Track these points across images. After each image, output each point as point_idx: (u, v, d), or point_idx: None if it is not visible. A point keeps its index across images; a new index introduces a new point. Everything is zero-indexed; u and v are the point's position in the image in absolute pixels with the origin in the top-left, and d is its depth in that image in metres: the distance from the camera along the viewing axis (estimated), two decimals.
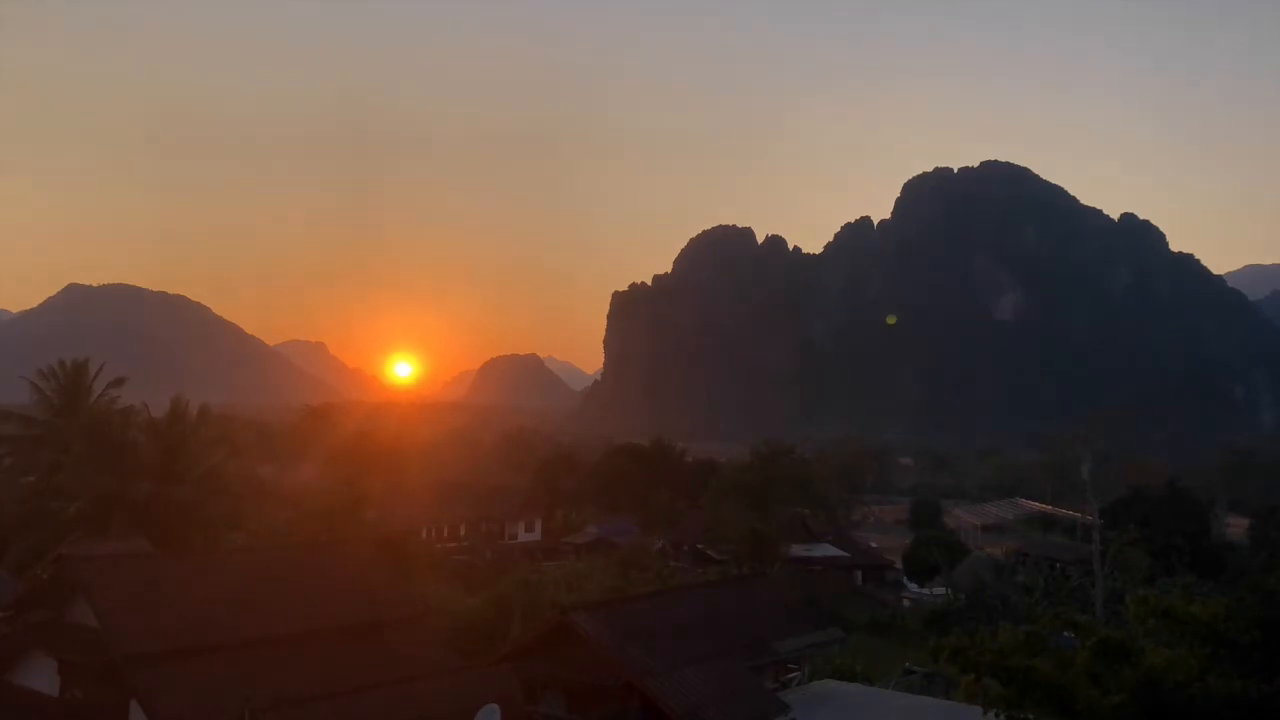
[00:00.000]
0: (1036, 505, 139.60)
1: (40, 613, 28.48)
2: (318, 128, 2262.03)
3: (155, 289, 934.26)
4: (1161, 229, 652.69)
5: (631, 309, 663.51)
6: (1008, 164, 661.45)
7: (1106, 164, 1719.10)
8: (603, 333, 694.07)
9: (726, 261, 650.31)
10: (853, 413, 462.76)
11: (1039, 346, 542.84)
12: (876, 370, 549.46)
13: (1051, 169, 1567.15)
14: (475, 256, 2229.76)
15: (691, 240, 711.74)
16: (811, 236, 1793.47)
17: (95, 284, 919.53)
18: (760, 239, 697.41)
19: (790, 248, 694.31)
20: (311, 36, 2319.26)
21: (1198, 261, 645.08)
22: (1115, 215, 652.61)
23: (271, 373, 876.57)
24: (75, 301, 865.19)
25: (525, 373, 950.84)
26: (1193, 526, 73.58)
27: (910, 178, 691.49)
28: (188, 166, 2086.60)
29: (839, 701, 32.69)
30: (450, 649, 32.44)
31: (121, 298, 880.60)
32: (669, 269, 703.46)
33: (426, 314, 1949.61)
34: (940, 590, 67.61)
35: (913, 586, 78.16)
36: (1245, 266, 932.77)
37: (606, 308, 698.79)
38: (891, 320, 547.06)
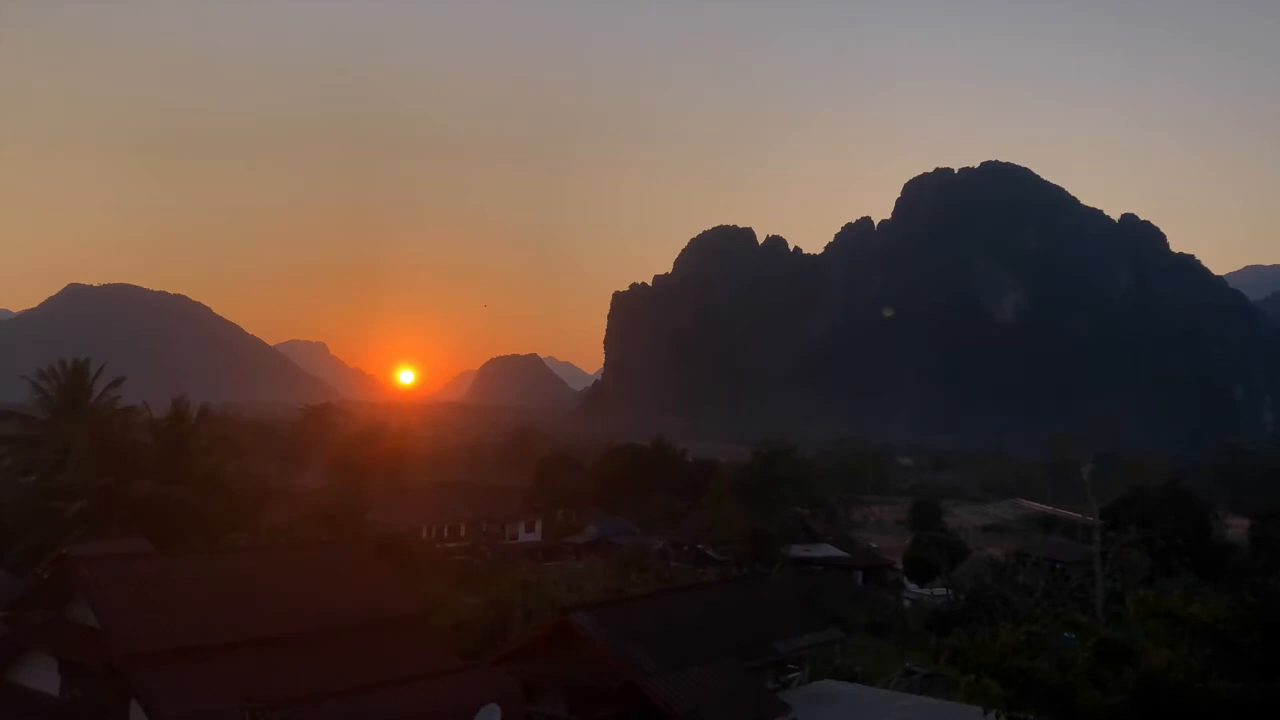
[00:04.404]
0: (1037, 505, 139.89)
1: (41, 612, 28.48)
2: (318, 127, 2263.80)
3: (156, 289, 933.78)
4: (1162, 230, 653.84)
5: (632, 309, 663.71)
6: (1008, 164, 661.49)
7: (1107, 165, 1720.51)
8: (603, 333, 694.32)
9: (727, 262, 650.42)
10: (853, 413, 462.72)
11: (1039, 347, 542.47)
12: (877, 371, 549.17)
13: (1052, 170, 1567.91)
14: (476, 256, 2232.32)
15: (692, 240, 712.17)
16: (812, 237, 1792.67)
17: (96, 284, 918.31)
18: (761, 239, 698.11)
19: (791, 248, 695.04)
20: (311, 35, 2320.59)
21: (1198, 262, 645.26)
22: (1116, 216, 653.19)
23: (272, 373, 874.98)
24: (76, 301, 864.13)
25: (526, 373, 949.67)
26: (1193, 527, 73.36)
27: (911, 178, 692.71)
28: (188, 166, 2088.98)
29: (839, 702, 32.72)
30: (450, 649, 32.43)
31: (122, 298, 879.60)
32: (670, 269, 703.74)
33: (427, 314, 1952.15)
34: (940, 591, 67.57)
35: (913, 587, 78.09)
36: (1246, 267, 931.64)
37: (607, 308, 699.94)
38: (889, 313, 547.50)
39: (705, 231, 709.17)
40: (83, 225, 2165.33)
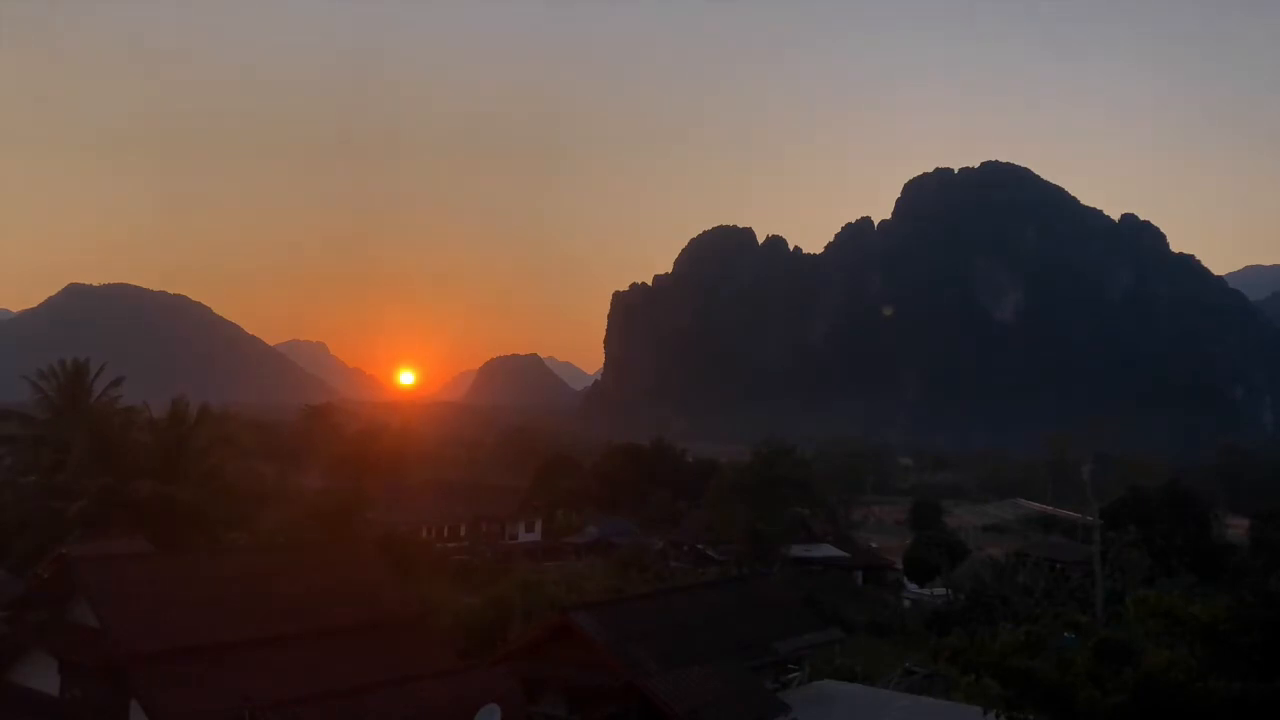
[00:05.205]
0: (1037, 506, 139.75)
1: (41, 612, 28.47)
2: (318, 127, 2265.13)
3: (156, 289, 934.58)
4: (1162, 229, 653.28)
5: (632, 309, 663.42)
6: (1008, 164, 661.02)
7: (1107, 164, 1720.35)
8: (603, 333, 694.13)
9: (727, 261, 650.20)
10: (853, 413, 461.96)
11: (1039, 347, 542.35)
12: (877, 370, 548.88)
13: (1052, 169, 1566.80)
14: (477, 256, 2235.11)
15: (692, 240, 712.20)
16: (812, 237, 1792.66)
17: (96, 284, 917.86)
18: (761, 239, 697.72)
19: (790, 248, 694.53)
20: (311, 37, 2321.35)
21: (1198, 262, 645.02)
22: (1116, 216, 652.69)
23: (272, 372, 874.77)
24: (75, 301, 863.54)
25: (526, 373, 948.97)
26: (1193, 527, 73.42)
27: (911, 178, 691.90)
28: (189, 166, 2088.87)
29: (839, 702, 32.70)
30: (450, 649, 32.44)
31: (122, 297, 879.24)
32: (669, 269, 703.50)
33: (427, 314, 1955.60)
34: (940, 591, 67.60)
35: (913, 587, 78.10)
36: (1246, 267, 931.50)
37: (607, 308, 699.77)
38: (888, 312, 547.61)
39: (705, 231, 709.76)
40: (83, 225, 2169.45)
